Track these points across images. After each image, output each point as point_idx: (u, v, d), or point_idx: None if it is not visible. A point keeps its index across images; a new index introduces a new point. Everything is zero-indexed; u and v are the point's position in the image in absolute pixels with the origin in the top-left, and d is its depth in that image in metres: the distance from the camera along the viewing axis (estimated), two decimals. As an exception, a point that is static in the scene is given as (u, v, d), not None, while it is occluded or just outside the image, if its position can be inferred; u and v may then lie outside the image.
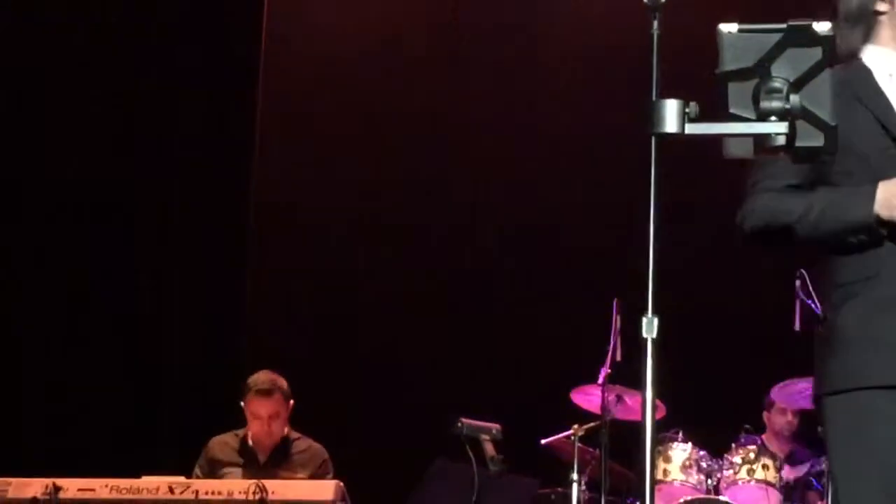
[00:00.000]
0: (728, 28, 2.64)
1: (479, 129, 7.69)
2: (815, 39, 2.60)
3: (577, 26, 7.64)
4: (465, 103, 7.73)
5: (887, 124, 3.21)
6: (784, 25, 2.61)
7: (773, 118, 2.60)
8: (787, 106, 2.60)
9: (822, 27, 2.59)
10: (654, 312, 2.61)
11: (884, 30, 3.34)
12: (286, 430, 6.05)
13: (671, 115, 2.64)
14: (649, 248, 2.65)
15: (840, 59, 3.34)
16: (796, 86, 2.61)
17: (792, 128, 2.60)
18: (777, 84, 2.61)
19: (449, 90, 7.76)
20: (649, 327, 2.56)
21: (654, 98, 2.66)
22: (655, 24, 2.71)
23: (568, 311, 7.13)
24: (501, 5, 7.86)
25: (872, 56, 3.34)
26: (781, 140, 2.61)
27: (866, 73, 3.31)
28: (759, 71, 2.63)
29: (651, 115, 2.64)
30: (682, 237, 6.17)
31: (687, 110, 2.64)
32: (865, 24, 3.35)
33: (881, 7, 3.34)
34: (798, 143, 2.62)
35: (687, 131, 2.63)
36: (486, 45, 7.77)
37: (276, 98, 7.83)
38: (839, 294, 3.21)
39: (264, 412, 5.92)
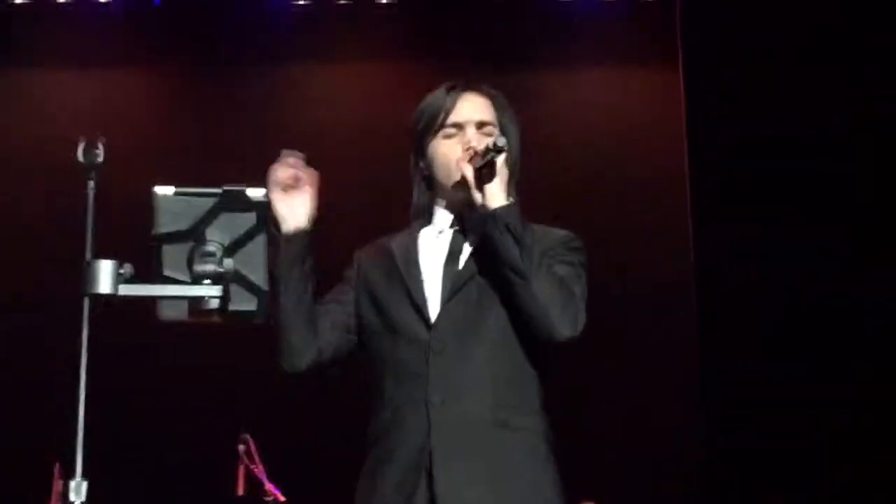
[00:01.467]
0: (163, 190, 2.64)
1: None
2: (250, 205, 2.65)
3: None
4: None
5: (419, 299, 3.24)
6: (219, 190, 2.64)
7: (206, 281, 2.62)
8: (221, 269, 2.62)
9: (256, 193, 2.65)
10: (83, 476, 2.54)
11: (437, 187, 3.35)
12: None
13: (105, 275, 2.60)
14: (79, 414, 2.58)
15: (413, 218, 3.40)
16: (230, 250, 2.64)
17: (225, 291, 2.62)
18: (211, 248, 2.64)
19: None
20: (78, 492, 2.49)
21: (88, 258, 2.62)
22: (91, 183, 2.67)
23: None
24: None
25: (435, 215, 3.36)
26: (215, 303, 2.62)
27: (411, 242, 3.33)
28: (194, 234, 2.64)
29: (85, 276, 2.60)
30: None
31: (121, 271, 2.61)
32: (420, 182, 3.38)
33: (422, 164, 3.36)
34: (231, 307, 2.64)
35: (120, 292, 2.60)
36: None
37: None
38: None
39: None
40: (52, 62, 7.57)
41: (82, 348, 2.60)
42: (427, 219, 3.39)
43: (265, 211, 2.67)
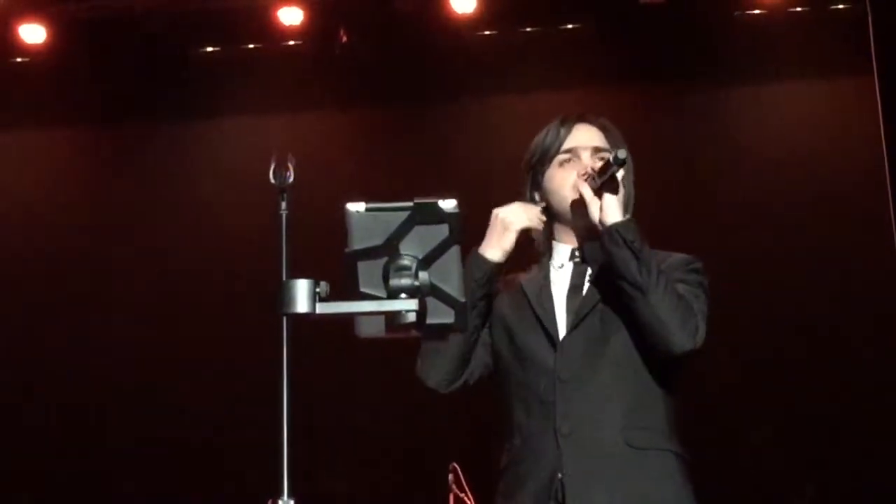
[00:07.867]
0: (356, 207, 2.63)
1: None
2: (442, 217, 2.61)
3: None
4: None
5: (548, 328, 3.31)
6: (411, 203, 2.62)
7: (402, 295, 2.59)
8: (417, 283, 2.59)
9: (448, 205, 2.61)
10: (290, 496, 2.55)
11: (554, 218, 3.44)
12: None
13: (302, 294, 2.60)
14: (283, 433, 2.58)
15: (540, 253, 3.49)
16: (425, 263, 2.62)
17: (422, 305, 2.59)
18: (406, 262, 2.61)
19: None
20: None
21: (284, 278, 2.62)
22: (283, 204, 2.68)
23: None
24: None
25: (554, 249, 3.44)
26: (412, 317, 2.59)
27: (539, 275, 3.43)
28: (388, 249, 2.62)
29: (282, 296, 2.60)
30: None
31: (317, 290, 2.60)
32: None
33: (537, 197, 3.45)
34: (429, 321, 2.62)
35: (318, 311, 2.60)
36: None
37: None
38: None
39: None
40: (242, 108, 7.72)
41: (283, 369, 2.60)
42: (549, 253, 3.45)
43: (458, 223, 2.63)
